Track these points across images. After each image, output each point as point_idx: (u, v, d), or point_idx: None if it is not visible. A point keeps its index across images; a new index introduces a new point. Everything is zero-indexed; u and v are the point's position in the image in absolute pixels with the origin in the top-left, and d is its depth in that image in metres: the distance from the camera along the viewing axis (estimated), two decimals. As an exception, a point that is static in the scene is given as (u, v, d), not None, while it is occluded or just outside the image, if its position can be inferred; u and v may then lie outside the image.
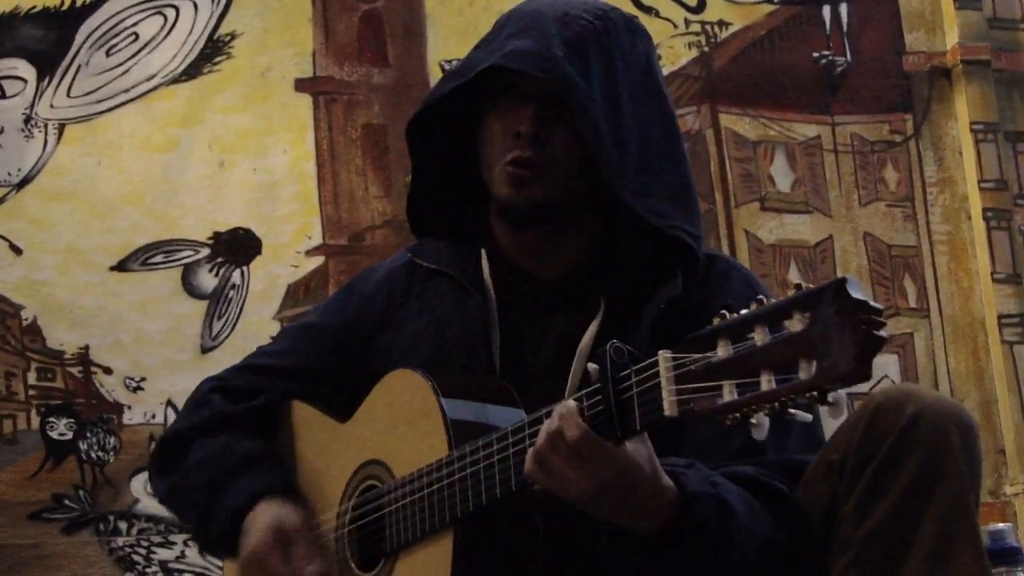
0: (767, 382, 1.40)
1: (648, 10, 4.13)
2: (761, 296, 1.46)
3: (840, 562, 1.74)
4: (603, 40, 1.98)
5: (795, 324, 1.39)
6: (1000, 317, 4.15)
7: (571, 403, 1.63)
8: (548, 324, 2.00)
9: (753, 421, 1.43)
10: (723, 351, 1.45)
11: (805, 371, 1.37)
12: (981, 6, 4.33)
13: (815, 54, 4.25)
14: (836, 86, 4.24)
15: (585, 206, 2.01)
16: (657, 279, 1.96)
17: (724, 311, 1.48)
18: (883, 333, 1.34)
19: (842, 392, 1.37)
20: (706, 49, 4.17)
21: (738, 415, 1.43)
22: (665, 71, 4.12)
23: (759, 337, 1.42)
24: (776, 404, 1.40)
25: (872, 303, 1.35)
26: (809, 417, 1.43)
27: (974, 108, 4.25)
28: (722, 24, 4.20)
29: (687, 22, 4.17)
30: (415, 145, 2.10)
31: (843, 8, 4.30)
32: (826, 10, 4.29)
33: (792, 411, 1.41)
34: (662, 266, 1.96)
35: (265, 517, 2.00)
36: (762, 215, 4.12)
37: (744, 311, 1.45)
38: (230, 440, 2.11)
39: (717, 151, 4.11)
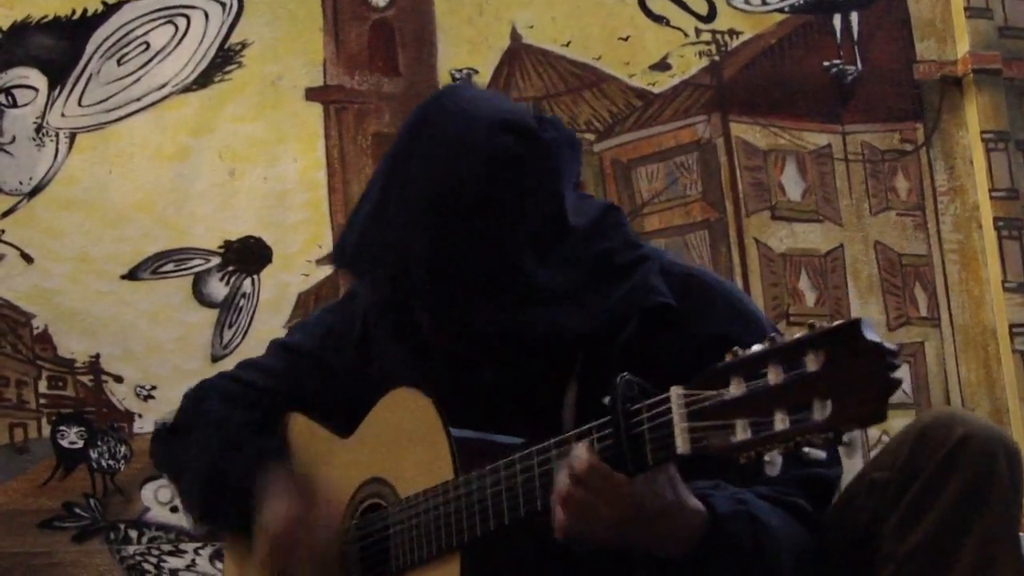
0: (781, 421, 1.41)
1: (659, 19, 4.13)
2: (774, 334, 1.46)
3: None
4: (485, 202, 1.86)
5: (809, 363, 1.39)
6: (1011, 326, 4.13)
7: (582, 442, 1.64)
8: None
9: (766, 459, 1.43)
10: (736, 388, 1.46)
11: (820, 411, 1.38)
12: (992, 15, 4.31)
13: (826, 63, 4.23)
14: (847, 95, 4.22)
15: None
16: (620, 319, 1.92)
17: (736, 348, 1.48)
18: (899, 375, 1.35)
19: (856, 432, 1.38)
20: (716, 58, 4.15)
21: (752, 453, 1.44)
22: (675, 80, 4.13)
23: (773, 375, 1.42)
24: (791, 443, 1.41)
25: (887, 345, 1.35)
26: (822, 455, 1.43)
27: (985, 117, 4.23)
28: (732, 33, 4.18)
29: (698, 31, 4.15)
30: None
31: (854, 17, 4.28)
32: (837, 19, 4.27)
33: (806, 449, 1.42)
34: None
35: (282, 496, 2.02)
36: (772, 224, 4.11)
37: (757, 347, 1.46)
38: (231, 411, 2.16)
39: (728, 160, 4.10)
